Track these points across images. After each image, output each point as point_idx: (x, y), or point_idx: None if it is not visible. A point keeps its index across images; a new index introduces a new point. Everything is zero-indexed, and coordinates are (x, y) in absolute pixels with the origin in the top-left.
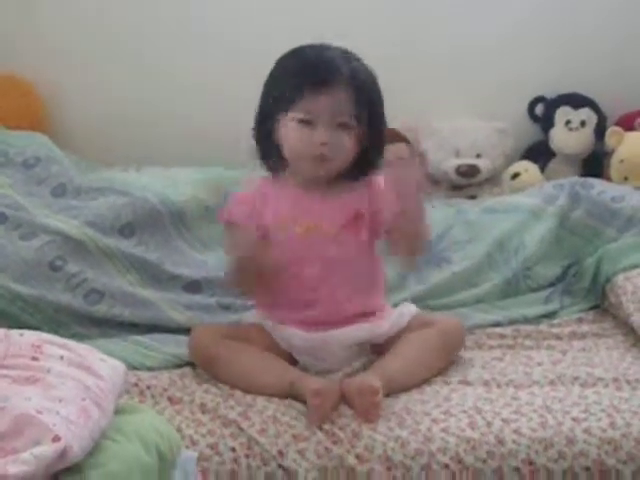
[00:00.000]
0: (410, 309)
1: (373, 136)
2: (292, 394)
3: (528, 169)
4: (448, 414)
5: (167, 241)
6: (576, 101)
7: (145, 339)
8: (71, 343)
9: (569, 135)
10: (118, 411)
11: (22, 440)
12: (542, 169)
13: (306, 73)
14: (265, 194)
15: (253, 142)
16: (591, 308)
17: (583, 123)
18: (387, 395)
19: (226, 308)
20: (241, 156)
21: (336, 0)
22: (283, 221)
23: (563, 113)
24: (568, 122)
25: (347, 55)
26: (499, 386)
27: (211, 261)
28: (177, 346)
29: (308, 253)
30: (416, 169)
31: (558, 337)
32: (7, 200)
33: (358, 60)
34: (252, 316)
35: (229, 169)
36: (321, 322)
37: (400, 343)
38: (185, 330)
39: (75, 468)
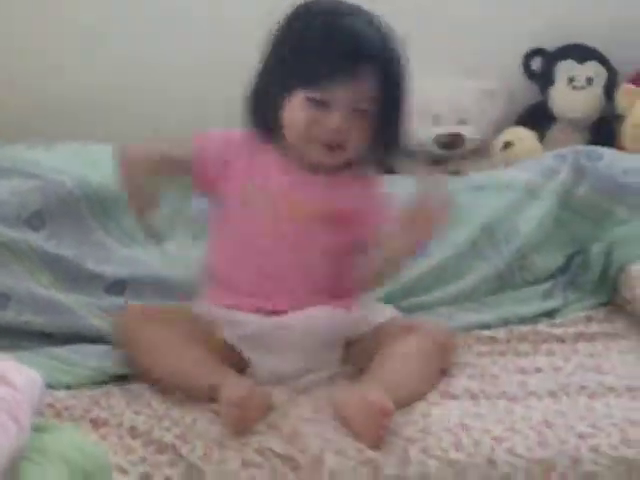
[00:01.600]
0: (388, 309)
1: (390, 119)
2: (211, 399)
3: (523, 137)
4: (427, 432)
5: (86, 233)
6: (581, 53)
7: (62, 351)
8: None
9: (573, 95)
10: (36, 429)
11: None
12: (541, 137)
13: (333, 48)
14: (247, 149)
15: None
16: (600, 304)
17: (590, 80)
18: None
19: None
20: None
21: None
22: (263, 188)
23: (565, 68)
24: (572, 79)
25: (379, 29)
26: (489, 399)
27: (141, 257)
28: (100, 359)
29: (276, 229)
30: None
31: (561, 339)
32: None
33: (387, 33)
34: (200, 307)
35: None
36: (278, 311)
37: (389, 350)
38: (107, 339)
39: None
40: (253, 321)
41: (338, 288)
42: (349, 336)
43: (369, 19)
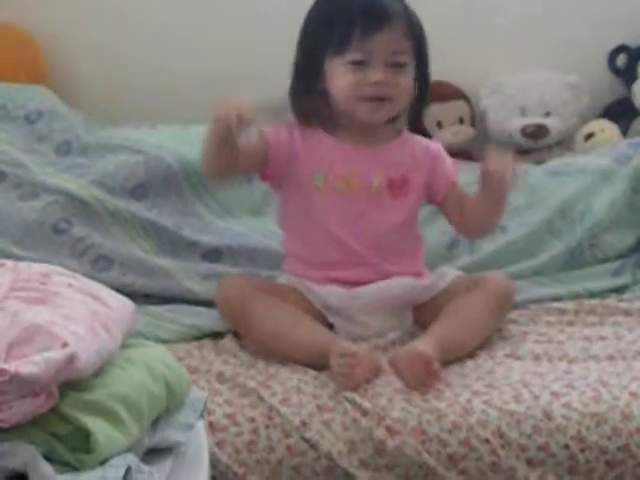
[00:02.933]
0: (452, 270)
1: (421, 79)
2: (325, 360)
3: (604, 128)
4: (491, 387)
5: (184, 205)
6: None
7: (160, 310)
8: (80, 276)
9: None
10: (126, 346)
11: (32, 347)
12: (624, 130)
13: (355, 10)
14: (304, 141)
15: (290, 96)
16: None
17: None
18: (442, 364)
19: None
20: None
21: None
22: (323, 172)
23: None
24: None
25: None
26: (551, 360)
27: (235, 228)
28: (195, 317)
29: (344, 211)
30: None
31: (627, 313)
32: (5, 157)
33: None
34: (284, 279)
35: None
36: (357, 282)
37: (448, 308)
38: (202, 302)
39: (81, 386)
40: (332, 292)
41: (409, 256)
42: (418, 301)
43: None
